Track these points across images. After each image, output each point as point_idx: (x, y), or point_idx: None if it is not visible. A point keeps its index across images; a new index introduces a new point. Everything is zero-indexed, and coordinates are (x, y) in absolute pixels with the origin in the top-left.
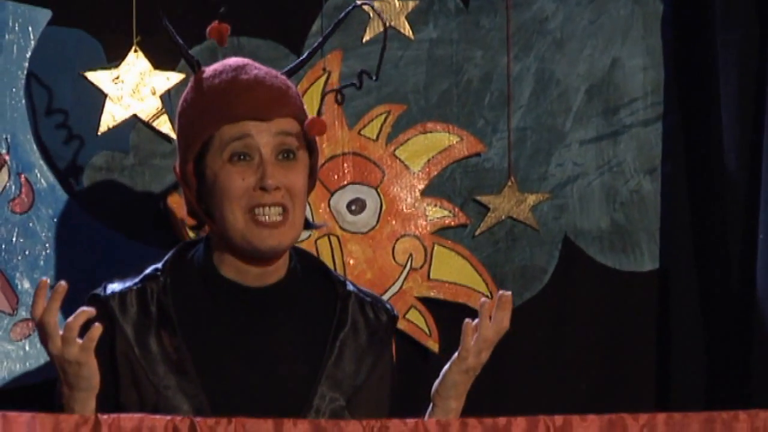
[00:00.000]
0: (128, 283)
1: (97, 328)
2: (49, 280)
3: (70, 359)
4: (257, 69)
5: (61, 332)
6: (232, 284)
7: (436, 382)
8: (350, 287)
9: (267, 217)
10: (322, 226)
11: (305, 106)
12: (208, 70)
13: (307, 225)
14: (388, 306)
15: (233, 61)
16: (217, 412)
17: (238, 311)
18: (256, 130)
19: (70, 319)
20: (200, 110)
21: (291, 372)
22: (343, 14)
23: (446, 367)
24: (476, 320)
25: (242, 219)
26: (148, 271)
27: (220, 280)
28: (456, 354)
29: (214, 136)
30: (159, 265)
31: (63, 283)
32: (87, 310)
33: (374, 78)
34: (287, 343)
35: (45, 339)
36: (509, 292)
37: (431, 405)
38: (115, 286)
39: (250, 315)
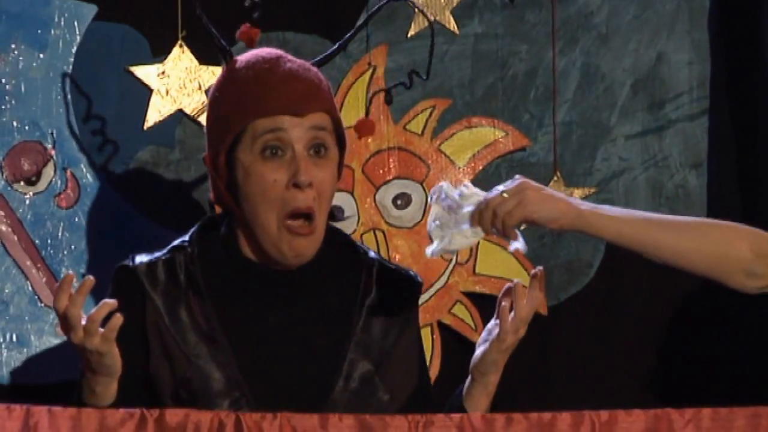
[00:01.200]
0: (156, 254)
1: (118, 318)
2: (75, 275)
3: (91, 349)
4: (290, 62)
5: (83, 323)
6: (256, 265)
7: (474, 358)
8: (373, 255)
9: (298, 227)
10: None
11: (347, 101)
12: (240, 60)
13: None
14: (412, 273)
15: (265, 52)
16: (249, 381)
17: (265, 288)
18: (290, 124)
19: (93, 311)
20: (233, 102)
21: (320, 340)
22: (376, 7)
23: (484, 346)
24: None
25: (276, 225)
26: (175, 242)
27: (245, 262)
28: (494, 335)
29: (247, 129)
30: (186, 237)
31: (91, 277)
32: (109, 302)
33: (425, 77)
34: (316, 313)
35: (67, 330)
36: (540, 268)
37: (470, 379)
38: (142, 257)
39: (277, 291)
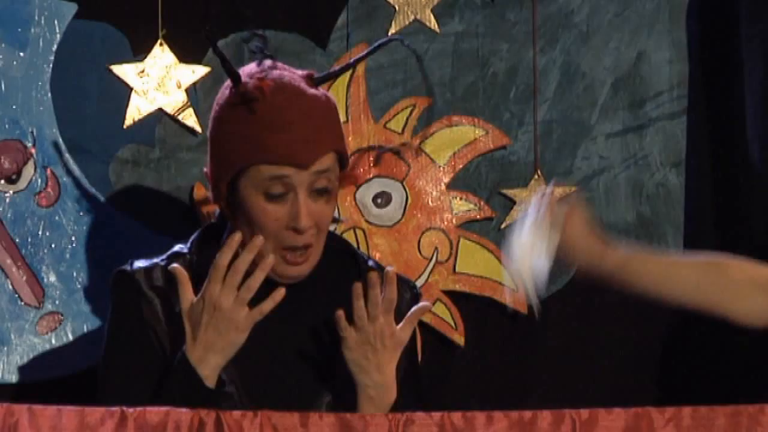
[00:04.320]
0: (154, 260)
1: (270, 303)
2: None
3: (233, 319)
4: (300, 97)
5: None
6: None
7: None
8: (372, 264)
9: (296, 257)
10: (341, 221)
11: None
12: (250, 86)
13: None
14: (412, 284)
15: (275, 82)
16: (245, 387)
17: (263, 297)
18: (295, 171)
19: (239, 266)
20: (238, 137)
21: (318, 349)
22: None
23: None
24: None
25: (271, 251)
26: (174, 249)
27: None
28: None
29: (251, 168)
30: (185, 244)
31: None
32: (236, 239)
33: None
34: (314, 322)
35: (223, 295)
36: (390, 268)
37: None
38: (141, 262)
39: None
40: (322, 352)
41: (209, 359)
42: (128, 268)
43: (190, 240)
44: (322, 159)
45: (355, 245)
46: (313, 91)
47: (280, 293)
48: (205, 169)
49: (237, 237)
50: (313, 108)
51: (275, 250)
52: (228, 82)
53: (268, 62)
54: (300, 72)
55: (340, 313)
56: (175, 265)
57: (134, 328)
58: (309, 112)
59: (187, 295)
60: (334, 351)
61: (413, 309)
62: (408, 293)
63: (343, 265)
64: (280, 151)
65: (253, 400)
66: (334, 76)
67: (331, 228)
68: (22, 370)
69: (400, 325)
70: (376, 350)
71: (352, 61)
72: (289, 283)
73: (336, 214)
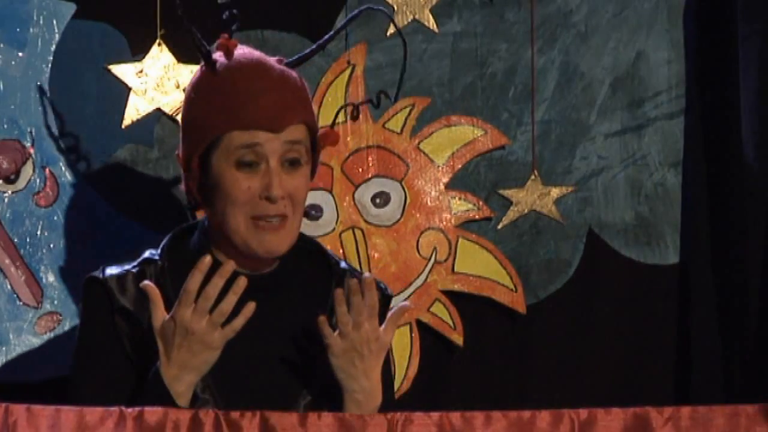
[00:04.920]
0: (126, 267)
1: (241, 320)
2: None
3: (206, 342)
4: (270, 69)
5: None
6: None
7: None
8: (344, 266)
9: (268, 224)
10: (318, 217)
11: (326, 100)
12: (220, 63)
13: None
14: (382, 285)
15: (245, 57)
16: (217, 385)
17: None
18: (266, 138)
19: (190, 283)
20: (209, 108)
21: (289, 347)
22: (352, 14)
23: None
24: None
25: (244, 224)
26: (144, 255)
27: (216, 267)
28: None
29: (222, 138)
30: (155, 250)
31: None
32: (205, 263)
33: (393, 100)
34: (285, 319)
35: (194, 320)
36: (367, 275)
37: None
38: (112, 270)
39: (247, 297)
40: (298, 353)
41: (183, 377)
42: (100, 275)
43: (161, 246)
44: (292, 128)
45: (353, 245)
46: (282, 67)
47: (240, 285)
48: (177, 152)
49: (207, 260)
50: (283, 79)
51: (247, 223)
52: (199, 68)
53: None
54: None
55: (323, 319)
56: (146, 282)
57: (105, 337)
58: (278, 83)
59: (158, 313)
60: (310, 351)
61: (394, 310)
62: (379, 293)
63: (315, 266)
64: (252, 116)
65: (230, 404)
66: (304, 59)
67: (329, 228)
68: (21, 369)
69: (383, 327)
70: (362, 356)
71: (322, 41)
72: (266, 258)
73: (325, 211)
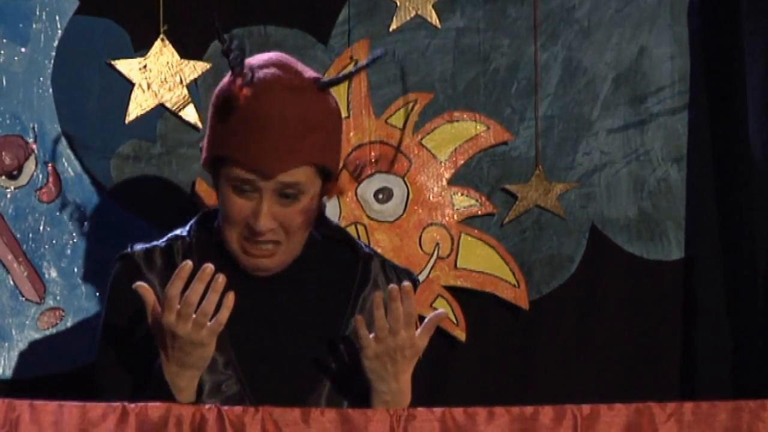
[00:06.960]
0: (154, 243)
1: (225, 312)
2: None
3: (195, 342)
4: (288, 104)
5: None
6: None
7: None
8: (371, 251)
9: (257, 250)
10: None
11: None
12: (247, 78)
13: None
14: (411, 271)
15: (269, 80)
16: (245, 366)
17: (259, 283)
18: (258, 178)
19: (170, 287)
20: (222, 125)
21: (312, 334)
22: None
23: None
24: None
25: (237, 242)
26: (174, 232)
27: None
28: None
29: (225, 161)
30: (184, 228)
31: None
32: (186, 268)
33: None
34: (310, 308)
35: (179, 325)
36: (394, 286)
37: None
38: (140, 245)
39: (271, 285)
40: (321, 340)
41: (183, 373)
42: (128, 250)
43: (189, 224)
44: (292, 172)
45: None
46: (306, 97)
47: (220, 283)
48: (201, 143)
49: (187, 266)
50: (297, 117)
51: (239, 242)
52: (230, 73)
53: (274, 56)
54: (309, 73)
55: (360, 318)
56: (139, 283)
57: (131, 315)
58: (291, 121)
59: (153, 314)
60: (333, 339)
61: (430, 316)
62: (406, 279)
63: (341, 255)
64: (248, 157)
65: (254, 383)
66: (338, 82)
67: (333, 223)
68: (24, 365)
69: (418, 333)
70: (395, 361)
71: (354, 69)
72: (262, 275)
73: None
